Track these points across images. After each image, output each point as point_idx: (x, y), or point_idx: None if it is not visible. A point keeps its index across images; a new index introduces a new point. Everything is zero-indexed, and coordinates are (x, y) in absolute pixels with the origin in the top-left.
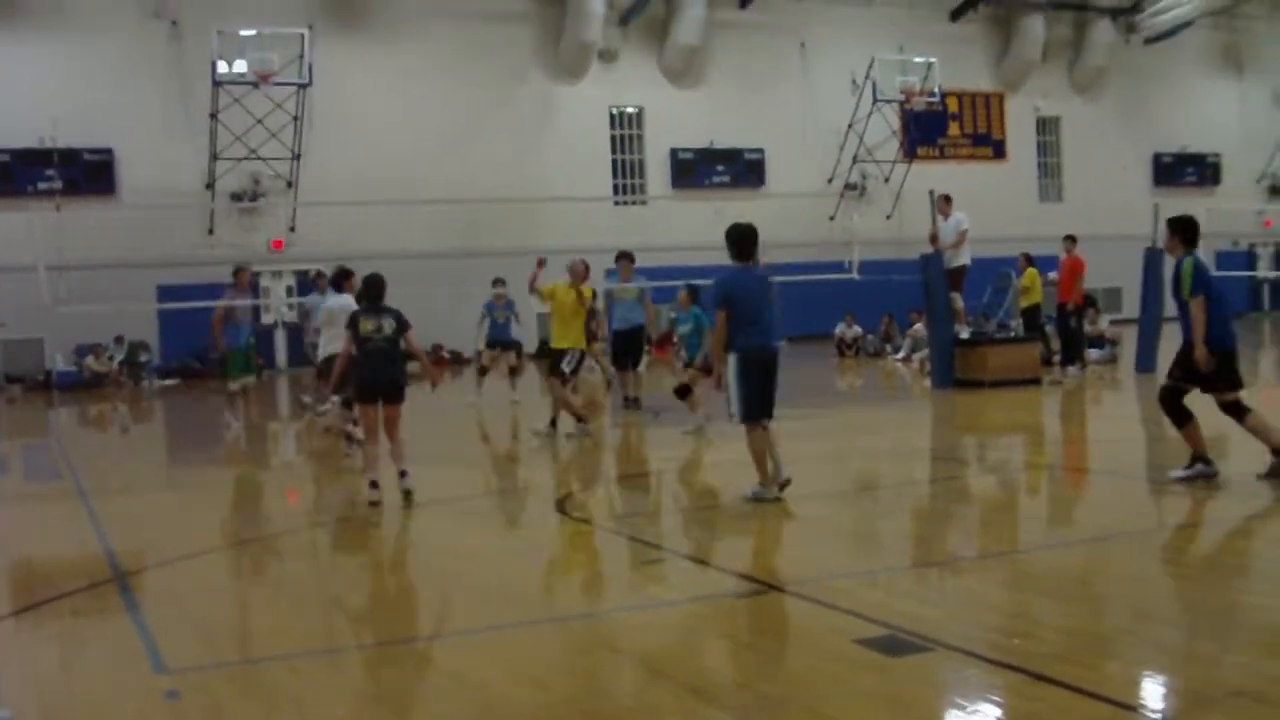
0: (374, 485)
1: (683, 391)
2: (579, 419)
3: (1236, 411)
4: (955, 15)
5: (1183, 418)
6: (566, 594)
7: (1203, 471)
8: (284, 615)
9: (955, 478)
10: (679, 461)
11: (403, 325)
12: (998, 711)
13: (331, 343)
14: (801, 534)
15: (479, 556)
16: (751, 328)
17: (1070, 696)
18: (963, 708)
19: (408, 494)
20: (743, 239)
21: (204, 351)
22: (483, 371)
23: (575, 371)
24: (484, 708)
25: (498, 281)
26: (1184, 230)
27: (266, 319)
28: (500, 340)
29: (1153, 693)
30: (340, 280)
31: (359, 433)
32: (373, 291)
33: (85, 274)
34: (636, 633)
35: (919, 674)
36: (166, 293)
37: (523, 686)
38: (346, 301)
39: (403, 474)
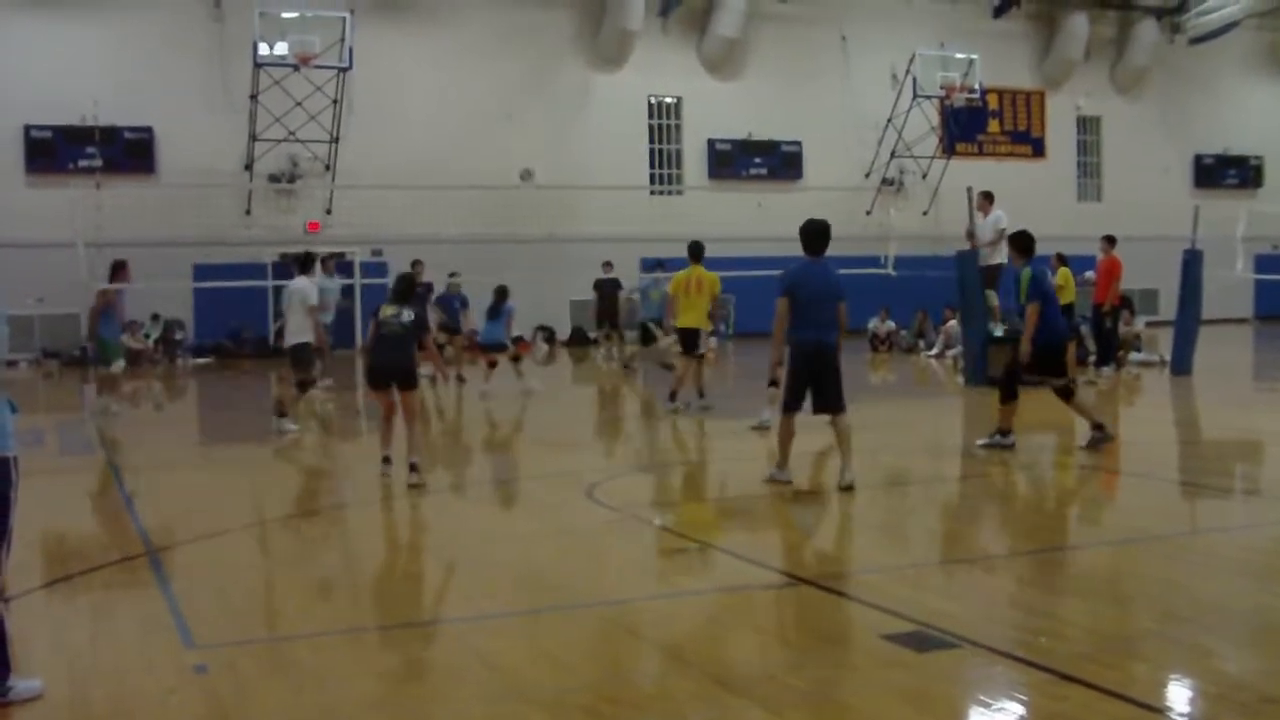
0: (386, 460)
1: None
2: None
3: (1066, 394)
4: (998, 12)
5: (1009, 397)
6: (594, 580)
7: (1001, 442)
8: (312, 594)
9: (986, 475)
10: (719, 452)
11: (420, 322)
12: (1023, 710)
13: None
14: (832, 528)
15: (508, 541)
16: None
17: (1096, 697)
18: (989, 705)
19: (414, 487)
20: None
21: (238, 331)
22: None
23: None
24: (507, 689)
25: (453, 274)
26: (1021, 244)
27: None
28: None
29: (1180, 696)
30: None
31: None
32: (400, 289)
33: (123, 251)
34: (663, 621)
35: (946, 670)
36: (202, 272)
37: (546, 670)
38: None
39: (412, 467)
